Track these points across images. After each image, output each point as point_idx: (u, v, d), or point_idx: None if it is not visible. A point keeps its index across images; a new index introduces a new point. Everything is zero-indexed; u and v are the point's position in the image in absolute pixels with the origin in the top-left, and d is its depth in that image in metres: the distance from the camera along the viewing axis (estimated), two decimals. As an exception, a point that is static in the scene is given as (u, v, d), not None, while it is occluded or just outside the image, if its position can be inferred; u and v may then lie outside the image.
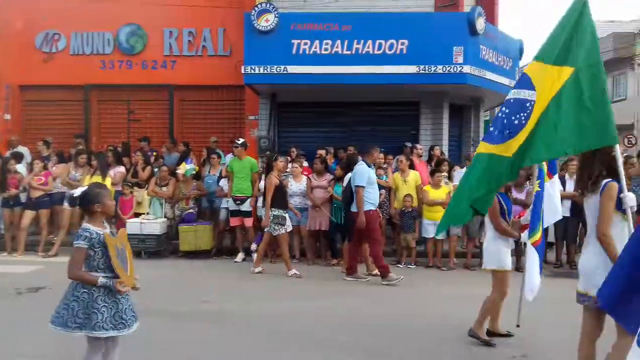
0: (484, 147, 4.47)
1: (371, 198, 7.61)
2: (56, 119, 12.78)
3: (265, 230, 8.00)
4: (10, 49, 12.65)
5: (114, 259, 3.36)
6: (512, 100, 4.31)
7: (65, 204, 9.25)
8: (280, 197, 7.95)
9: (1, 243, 9.59)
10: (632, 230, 3.44)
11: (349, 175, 7.92)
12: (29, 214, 9.22)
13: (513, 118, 4.23)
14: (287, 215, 8.03)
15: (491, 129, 4.47)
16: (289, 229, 8.13)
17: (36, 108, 12.95)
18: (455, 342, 5.06)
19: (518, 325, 4.99)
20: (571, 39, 4.11)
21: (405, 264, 8.73)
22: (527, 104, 4.18)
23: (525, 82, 4.29)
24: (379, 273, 7.57)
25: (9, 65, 12.66)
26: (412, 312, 6.11)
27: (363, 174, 7.55)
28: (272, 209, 7.84)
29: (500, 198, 5.11)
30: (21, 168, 9.71)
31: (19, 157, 9.85)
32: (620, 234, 3.55)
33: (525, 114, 4.17)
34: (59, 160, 10.00)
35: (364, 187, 7.50)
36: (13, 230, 9.41)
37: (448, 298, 6.73)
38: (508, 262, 5.04)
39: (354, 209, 7.60)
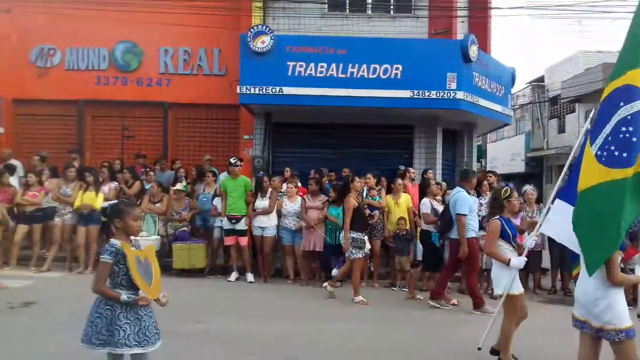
0: (607, 174, 3.93)
1: (473, 225, 7.50)
2: (50, 133, 12.76)
3: (346, 255, 7.78)
4: (4, 63, 12.62)
5: (133, 269, 3.38)
6: (629, 117, 3.93)
7: (57, 220, 9.19)
8: (358, 219, 7.72)
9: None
10: None
11: (425, 200, 8.29)
12: (21, 229, 9.14)
13: None
14: (365, 238, 7.77)
15: (615, 152, 3.96)
16: (367, 252, 7.93)
17: (30, 122, 12.91)
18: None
19: (479, 348, 5.10)
20: None
21: (399, 287, 8.76)
22: None
23: (634, 93, 3.98)
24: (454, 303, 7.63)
25: (2, 79, 12.61)
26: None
27: (465, 201, 7.43)
28: (351, 231, 7.60)
29: (504, 223, 5.18)
30: (14, 181, 9.65)
31: (11, 170, 9.78)
32: None
33: None
34: (51, 174, 9.93)
35: (466, 215, 7.37)
36: (6, 244, 9.32)
37: (450, 323, 6.78)
38: (515, 287, 5.04)
39: (453, 235, 7.50)
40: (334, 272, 8.51)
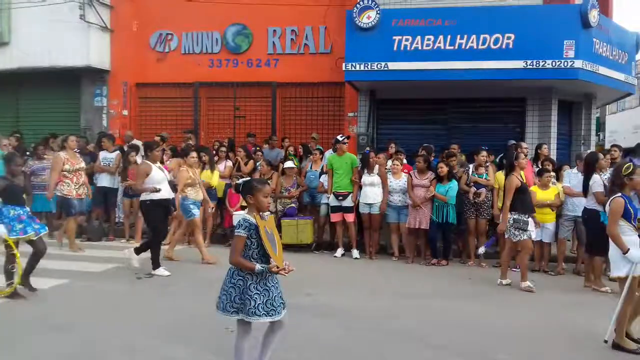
0: None
1: None
2: (168, 115, 13.62)
3: (506, 236, 7.51)
4: (127, 49, 13.58)
5: (265, 238, 3.62)
6: None
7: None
8: (522, 200, 7.27)
9: (120, 230, 10.39)
10: None
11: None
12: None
13: None
14: (530, 220, 7.26)
15: None
16: (533, 235, 7.37)
17: (150, 104, 13.85)
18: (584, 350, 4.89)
19: (606, 341, 4.86)
20: None
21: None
22: None
23: None
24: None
25: (125, 64, 13.61)
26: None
27: None
28: (512, 212, 7.22)
29: (627, 201, 4.87)
30: (139, 160, 10.41)
31: (136, 149, 10.56)
32: None
33: None
34: (172, 154, 10.60)
35: None
36: (132, 219, 10.15)
37: (561, 305, 6.52)
38: (625, 268, 4.78)
39: None
40: (481, 249, 8.48)
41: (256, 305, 3.62)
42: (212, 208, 9.44)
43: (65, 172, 8.68)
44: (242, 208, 9.54)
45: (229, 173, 10.06)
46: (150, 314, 5.67)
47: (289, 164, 9.88)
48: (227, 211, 9.87)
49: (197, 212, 8.47)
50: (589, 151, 9.48)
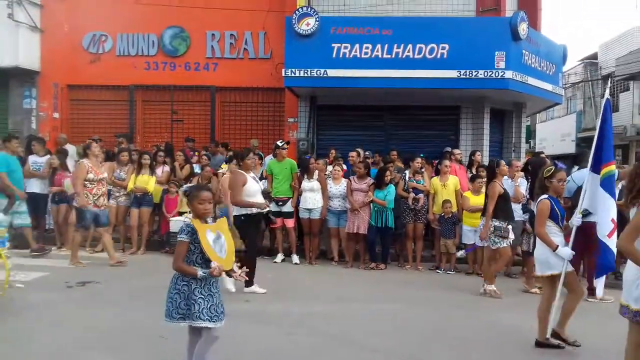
0: None
1: None
2: (102, 118, 13.20)
3: (485, 243, 7.54)
4: (59, 50, 13.09)
5: (204, 241, 3.59)
6: None
7: (111, 202, 9.50)
8: (502, 207, 7.22)
9: (50, 238, 9.95)
10: None
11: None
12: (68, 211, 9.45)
13: None
14: (510, 227, 7.25)
15: None
16: (511, 241, 7.33)
17: (83, 107, 13.37)
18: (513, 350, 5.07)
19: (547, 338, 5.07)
20: None
21: (444, 270, 8.73)
22: None
23: None
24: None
25: (56, 65, 13.12)
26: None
27: None
28: (493, 219, 7.18)
29: (553, 203, 5.07)
30: (68, 165, 10.02)
31: (65, 154, 10.16)
32: None
33: None
34: (105, 158, 10.26)
35: None
36: (61, 226, 9.75)
37: (493, 305, 6.74)
38: (558, 266, 4.97)
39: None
40: (460, 253, 8.61)
41: (200, 309, 3.61)
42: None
43: (86, 182, 8.18)
44: (180, 214, 9.39)
45: (166, 178, 9.84)
46: (82, 322, 5.46)
47: (224, 169, 9.74)
48: (164, 217, 9.65)
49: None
50: (542, 156, 9.72)
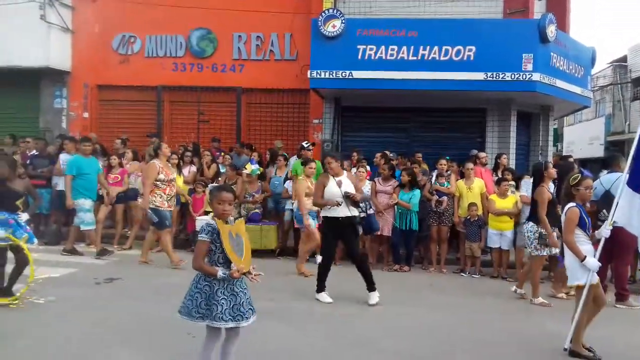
0: None
1: None
2: (130, 118, 13.42)
3: (528, 250, 7.39)
4: (89, 50, 13.36)
5: (226, 242, 3.60)
6: None
7: (139, 200, 9.65)
8: (550, 212, 6.91)
9: (81, 235, 10.14)
10: None
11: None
12: (104, 209, 9.62)
13: None
14: (555, 234, 6.93)
15: None
16: (555, 251, 7.04)
17: (112, 107, 13.62)
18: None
19: (565, 349, 4.95)
20: None
21: (469, 273, 8.68)
22: None
23: None
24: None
25: (87, 65, 13.39)
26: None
27: None
28: (539, 226, 6.96)
29: (581, 211, 4.98)
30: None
31: (95, 154, 10.35)
32: None
33: None
34: (133, 157, 10.44)
35: None
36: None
37: (519, 311, 6.68)
38: (583, 277, 4.88)
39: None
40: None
41: (223, 310, 3.60)
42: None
43: (158, 182, 8.21)
44: (206, 213, 9.48)
45: (192, 178, 9.97)
46: (110, 319, 5.57)
47: (247, 169, 9.82)
48: (190, 216, 9.78)
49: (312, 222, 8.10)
50: (569, 160, 9.60)
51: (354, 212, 6.65)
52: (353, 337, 5.36)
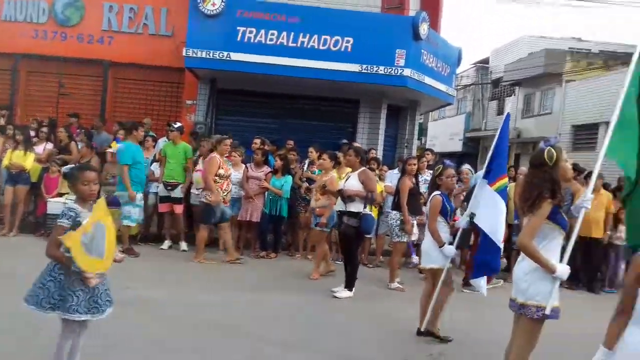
0: None
1: None
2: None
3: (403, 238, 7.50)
4: None
5: (76, 257, 3.15)
6: None
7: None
8: (411, 202, 7.37)
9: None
10: None
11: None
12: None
13: None
14: (414, 222, 7.52)
15: None
16: (414, 238, 7.70)
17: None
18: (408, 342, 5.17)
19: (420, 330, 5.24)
20: None
21: (334, 260, 8.81)
22: None
23: None
24: None
25: None
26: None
27: None
28: (399, 213, 7.35)
29: (444, 199, 5.29)
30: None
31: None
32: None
33: None
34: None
35: None
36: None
37: (375, 295, 6.89)
38: (438, 261, 5.18)
39: None
40: (414, 259, 8.50)
41: (79, 302, 3.26)
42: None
43: (216, 177, 7.88)
44: (60, 195, 8.77)
45: (47, 156, 9.14)
46: None
47: (113, 148, 9.22)
48: (40, 198, 8.98)
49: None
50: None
51: (350, 208, 6.68)
52: (218, 324, 5.24)
